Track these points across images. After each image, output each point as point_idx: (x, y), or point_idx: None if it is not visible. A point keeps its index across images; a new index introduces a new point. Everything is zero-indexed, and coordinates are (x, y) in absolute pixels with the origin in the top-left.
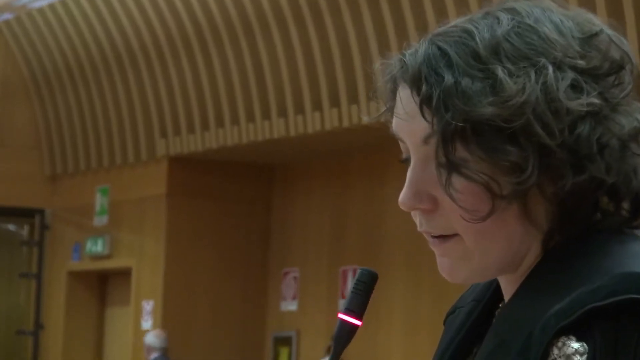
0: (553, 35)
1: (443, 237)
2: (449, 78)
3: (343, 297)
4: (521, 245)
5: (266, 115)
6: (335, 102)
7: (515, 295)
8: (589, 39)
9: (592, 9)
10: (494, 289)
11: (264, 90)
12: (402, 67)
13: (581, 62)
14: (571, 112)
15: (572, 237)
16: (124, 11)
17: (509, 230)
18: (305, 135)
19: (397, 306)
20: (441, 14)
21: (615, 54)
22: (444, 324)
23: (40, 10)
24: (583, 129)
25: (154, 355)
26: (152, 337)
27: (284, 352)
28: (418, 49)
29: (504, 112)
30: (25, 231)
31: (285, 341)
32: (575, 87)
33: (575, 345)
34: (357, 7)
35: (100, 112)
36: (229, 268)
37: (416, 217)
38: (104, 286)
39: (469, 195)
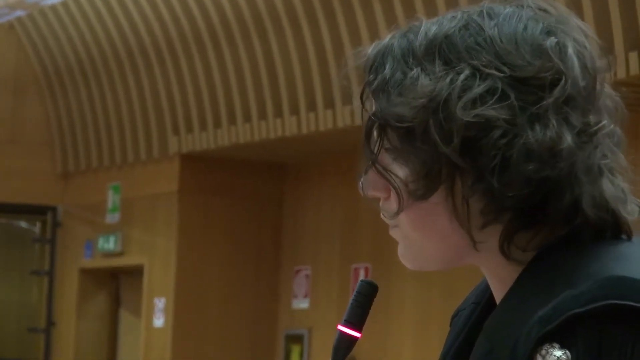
0: (499, 40)
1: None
2: (387, 71)
3: None
4: (458, 242)
5: (278, 113)
6: (347, 99)
7: (504, 300)
8: (543, 47)
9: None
10: (491, 291)
11: (276, 87)
12: (366, 56)
13: (511, 70)
14: (467, 121)
15: (557, 242)
16: (136, 8)
17: (439, 225)
18: (317, 133)
19: (408, 301)
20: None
21: (561, 65)
22: (450, 326)
23: (53, 7)
24: (488, 138)
25: None
26: None
27: (295, 350)
28: (384, 41)
29: (408, 112)
30: (37, 228)
31: (296, 339)
32: (488, 95)
33: (558, 353)
34: (369, 4)
35: (112, 109)
36: (241, 265)
37: None
38: (115, 283)
39: (379, 192)
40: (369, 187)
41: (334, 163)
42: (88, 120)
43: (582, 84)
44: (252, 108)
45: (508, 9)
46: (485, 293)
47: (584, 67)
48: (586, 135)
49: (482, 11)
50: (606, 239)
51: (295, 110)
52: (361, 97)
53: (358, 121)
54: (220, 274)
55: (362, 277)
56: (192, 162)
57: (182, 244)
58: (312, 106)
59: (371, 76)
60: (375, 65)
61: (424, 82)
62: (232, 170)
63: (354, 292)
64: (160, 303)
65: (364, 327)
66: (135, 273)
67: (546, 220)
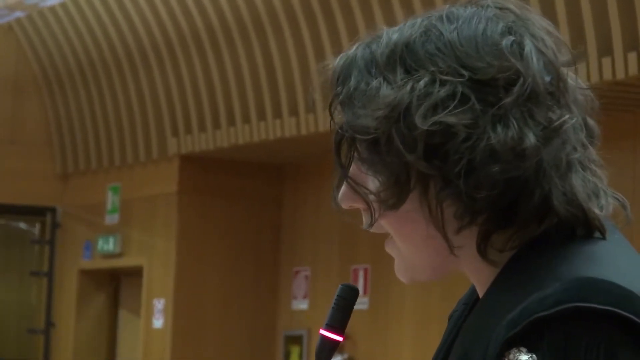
0: (458, 43)
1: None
2: (352, 82)
3: None
4: (440, 248)
5: (277, 114)
6: None
7: (480, 303)
8: (500, 47)
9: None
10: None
11: (275, 89)
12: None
13: (471, 73)
14: (428, 129)
15: (532, 242)
16: (135, 9)
17: (418, 233)
18: (316, 133)
19: (407, 302)
20: None
21: (518, 64)
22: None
23: (52, 9)
24: (451, 143)
25: None
26: None
27: (294, 351)
28: (349, 52)
29: (371, 123)
30: (36, 229)
31: (296, 340)
32: (449, 100)
33: (524, 357)
34: (368, 5)
35: (111, 110)
36: (240, 266)
37: None
38: (115, 285)
39: (356, 203)
40: (343, 200)
41: (333, 164)
42: (87, 121)
43: (545, 79)
44: (251, 109)
45: (469, 11)
46: (473, 294)
47: (546, 63)
48: (552, 130)
49: (442, 15)
50: (579, 238)
51: (294, 111)
52: (330, 110)
53: None
54: (219, 275)
55: (361, 278)
56: (191, 163)
57: (181, 245)
58: (311, 107)
59: (338, 88)
60: (341, 77)
61: (385, 92)
62: (231, 171)
63: (335, 296)
64: (159, 304)
65: (364, 328)
66: (134, 274)
67: (520, 219)
